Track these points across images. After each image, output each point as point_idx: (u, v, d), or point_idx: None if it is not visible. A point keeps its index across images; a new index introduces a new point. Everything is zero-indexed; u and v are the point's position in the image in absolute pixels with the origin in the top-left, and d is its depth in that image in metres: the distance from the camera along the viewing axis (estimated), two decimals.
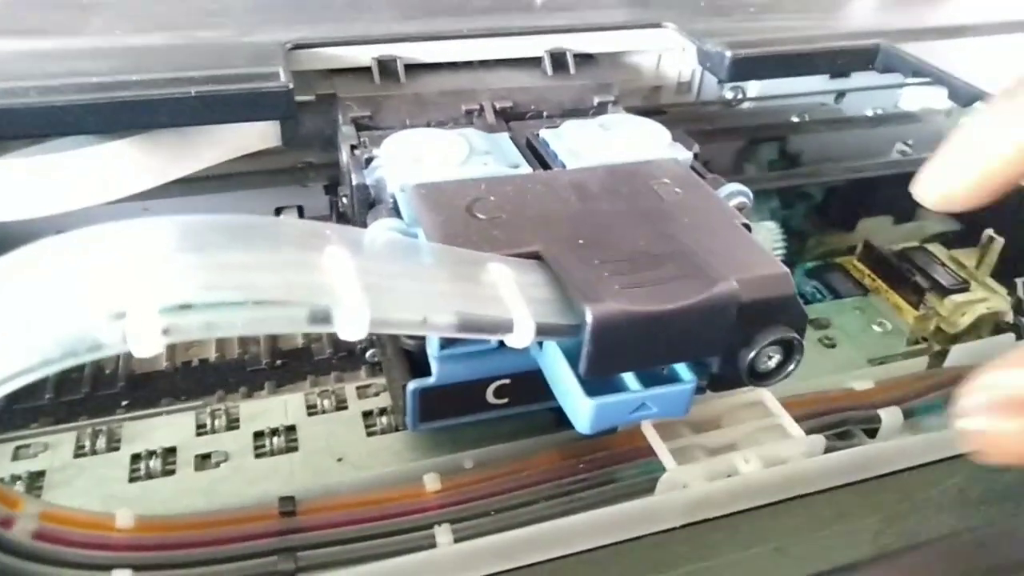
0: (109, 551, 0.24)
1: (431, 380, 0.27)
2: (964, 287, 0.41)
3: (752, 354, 0.23)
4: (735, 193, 0.29)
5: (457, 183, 0.27)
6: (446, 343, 0.26)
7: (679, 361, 0.24)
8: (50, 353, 0.17)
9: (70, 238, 0.20)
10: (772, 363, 0.24)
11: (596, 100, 0.37)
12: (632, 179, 0.28)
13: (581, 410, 0.23)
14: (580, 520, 0.26)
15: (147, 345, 0.17)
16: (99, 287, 0.18)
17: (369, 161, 0.31)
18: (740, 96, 0.48)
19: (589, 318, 0.21)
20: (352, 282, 0.19)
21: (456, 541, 0.26)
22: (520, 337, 0.20)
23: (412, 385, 0.27)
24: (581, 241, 0.24)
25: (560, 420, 0.34)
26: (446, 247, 0.23)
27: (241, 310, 0.18)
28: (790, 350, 0.24)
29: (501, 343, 0.23)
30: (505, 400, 0.29)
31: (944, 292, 0.41)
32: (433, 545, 0.26)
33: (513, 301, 0.21)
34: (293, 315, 0.18)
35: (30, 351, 0.17)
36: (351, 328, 0.18)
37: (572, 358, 0.23)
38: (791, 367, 0.24)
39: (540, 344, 0.24)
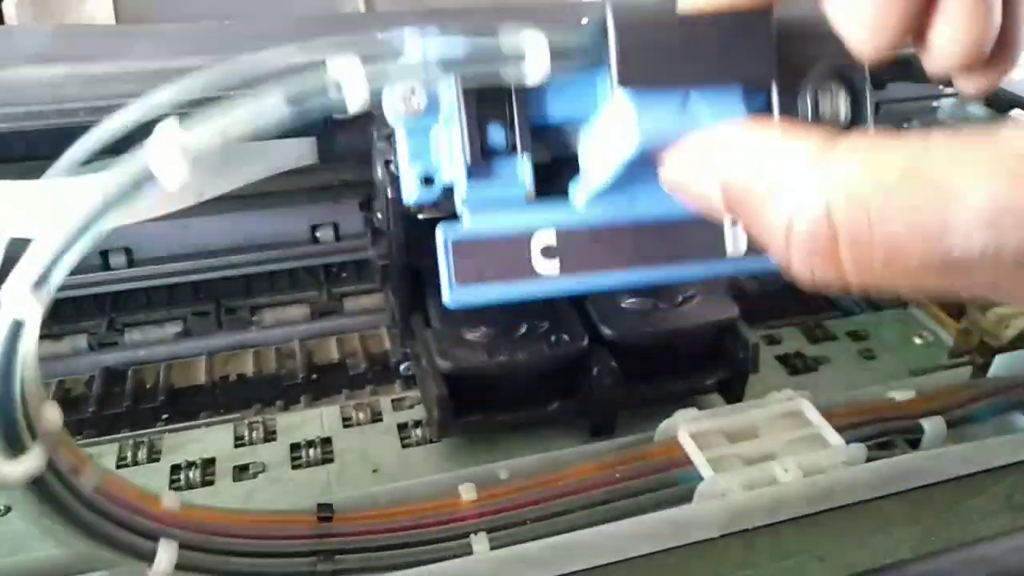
0: (159, 524, 0.24)
1: (464, 228, 0.23)
2: None
3: (810, 91, 0.21)
4: None
5: None
6: (471, 176, 0.23)
7: (719, 76, 0.21)
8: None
9: None
10: (841, 104, 0.22)
11: None
12: None
13: (627, 119, 0.20)
14: (616, 529, 0.26)
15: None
16: None
17: None
18: None
19: (609, 12, 0.19)
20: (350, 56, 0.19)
21: (492, 549, 0.26)
22: (535, 66, 0.19)
23: (446, 233, 0.23)
24: None
25: (595, 430, 0.34)
26: None
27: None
28: (853, 86, 0.21)
29: (538, 194, 0.22)
30: (556, 264, 0.24)
31: (987, 304, 0.40)
32: (469, 552, 0.26)
33: (525, 32, 0.19)
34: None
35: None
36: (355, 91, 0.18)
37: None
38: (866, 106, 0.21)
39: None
